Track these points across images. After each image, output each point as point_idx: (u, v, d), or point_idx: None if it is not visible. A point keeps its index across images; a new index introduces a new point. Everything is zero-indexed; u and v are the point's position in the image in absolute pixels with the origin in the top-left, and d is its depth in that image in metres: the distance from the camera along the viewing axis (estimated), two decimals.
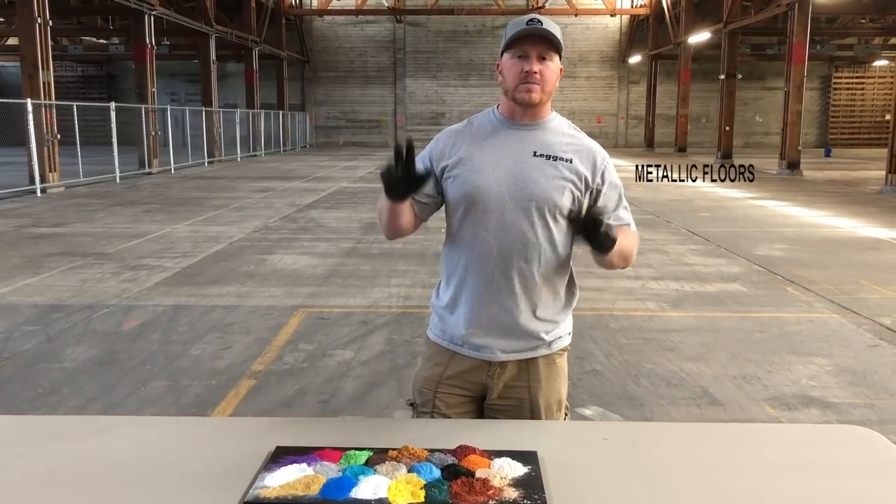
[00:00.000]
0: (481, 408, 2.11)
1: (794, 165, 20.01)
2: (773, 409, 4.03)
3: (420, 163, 2.03)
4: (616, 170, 2.06)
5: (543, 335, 2.02)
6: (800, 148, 20.28)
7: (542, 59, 1.90)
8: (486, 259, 1.96)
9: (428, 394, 2.08)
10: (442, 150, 2.02)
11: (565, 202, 1.94)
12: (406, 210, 1.96)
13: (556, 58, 1.93)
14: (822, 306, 6.20)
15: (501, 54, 1.97)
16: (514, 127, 1.99)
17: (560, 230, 1.97)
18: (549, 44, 1.90)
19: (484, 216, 1.94)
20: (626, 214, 2.05)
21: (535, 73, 1.89)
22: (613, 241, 1.83)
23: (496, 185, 1.93)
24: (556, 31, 1.91)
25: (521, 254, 1.95)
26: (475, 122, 2.06)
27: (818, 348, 5.08)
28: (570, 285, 2.08)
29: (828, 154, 31.81)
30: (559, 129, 2.01)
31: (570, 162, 1.95)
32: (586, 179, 1.97)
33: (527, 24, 1.89)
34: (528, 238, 1.94)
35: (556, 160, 1.94)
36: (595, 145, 2.03)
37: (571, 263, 2.07)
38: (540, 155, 1.95)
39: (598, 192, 1.99)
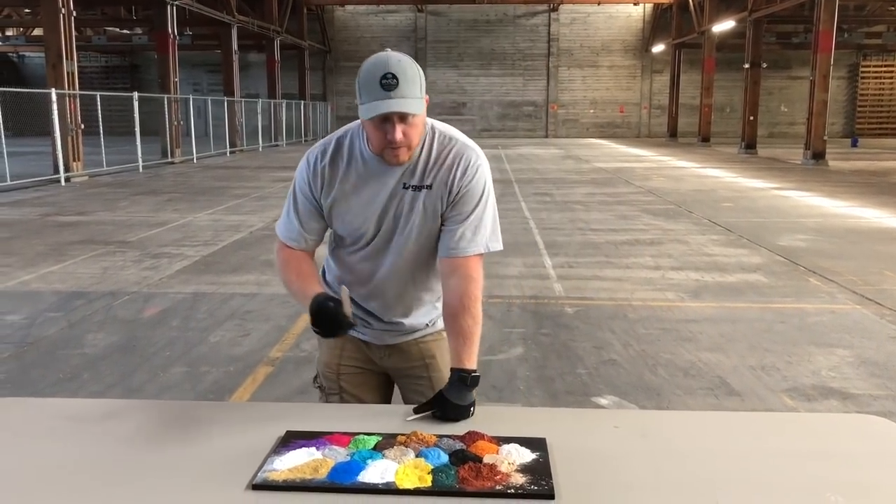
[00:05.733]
0: (389, 381, 2.23)
1: (819, 155, 19.73)
2: (792, 399, 4.00)
3: (300, 191, 1.98)
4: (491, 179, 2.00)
5: (423, 327, 2.13)
6: (825, 138, 19.99)
7: (403, 119, 1.80)
8: (365, 280, 2.04)
9: (332, 377, 2.17)
10: (314, 184, 1.96)
11: (435, 227, 1.96)
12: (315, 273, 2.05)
13: (419, 109, 1.81)
14: (845, 297, 6.12)
15: (358, 95, 1.81)
16: (385, 163, 1.91)
17: (431, 252, 2.01)
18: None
19: (361, 249, 2.01)
20: (475, 235, 1.94)
21: (401, 138, 1.81)
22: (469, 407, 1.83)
23: (373, 224, 1.96)
24: (412, 85, 1.76)
25: (398, 278, 2.02)
26: (345, 153, 1.95)
27: (839, 339, 5.02)
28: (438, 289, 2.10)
29: (854, 144, 31.37)
30: (428, 154, 1.92)
31: (430, 188, 1.92)
32: (449, 194, 1.93)
33: (381, 85, 1.74)
34: (403, 266, 2.00)
35: (422, 189, 1.92)
36: (458, 156, 1.93)
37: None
38: (408, 187, 1.92)
39: (454, 203, 1.93)
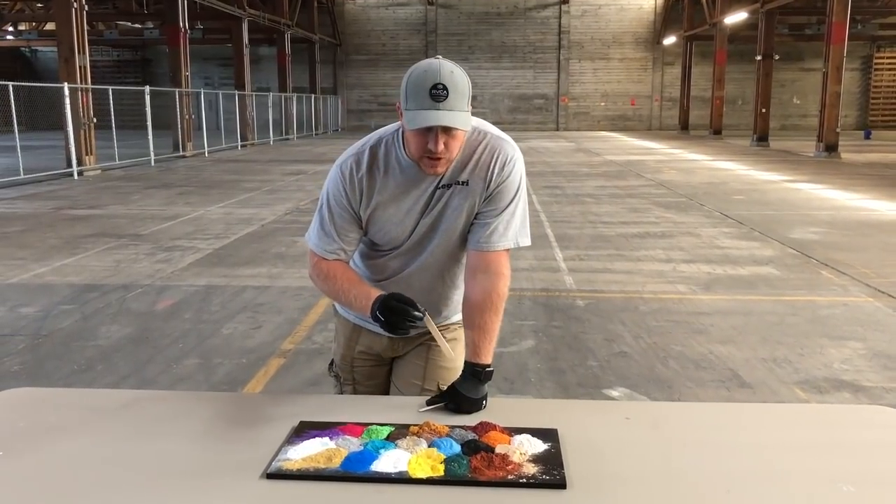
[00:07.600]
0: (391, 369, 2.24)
1: (831, 148, 19.60)
2: (804, 392, 3.99)
3: (336, 202, 1.94)
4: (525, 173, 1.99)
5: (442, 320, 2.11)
6: (838, 130, 19.85)
7: (447, 131, 1.77)
8: (394, 279, 2.03)
9: (346, 367, 2.20)
10: (352, 196, 1.93)
11: (469, 222, 1.96)
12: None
13: (466, 124, 1.80)
14: (858, 290, 6.09)
15: (404, 100, 1.77)
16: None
17: (461, 248, 2.01)
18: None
19: (393, 251, 2.01)
20: (506, 230, 1.94)
21: (442, 149, 1.78)
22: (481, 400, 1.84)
23: (409, 229, 1.96)
24: (461, 98, 1.74)
25: (428, 276, 2.03)
26: (381, 162, 1.92)
27: (852, 332, 5.00)
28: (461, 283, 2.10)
29: (868, 136, 31.11)
30: (462, 150, 1.89)
31: (467, 184, 1.91)
32: (486, 189, 1.92)
33: (430, 95, 1.71)
34: (436, 264, 2.01)
35: (458, 186, 1.91)
36: (494, 151, 1.91)
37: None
38: (444, 186, 1.91)
39: (490, 198, 1.93)
